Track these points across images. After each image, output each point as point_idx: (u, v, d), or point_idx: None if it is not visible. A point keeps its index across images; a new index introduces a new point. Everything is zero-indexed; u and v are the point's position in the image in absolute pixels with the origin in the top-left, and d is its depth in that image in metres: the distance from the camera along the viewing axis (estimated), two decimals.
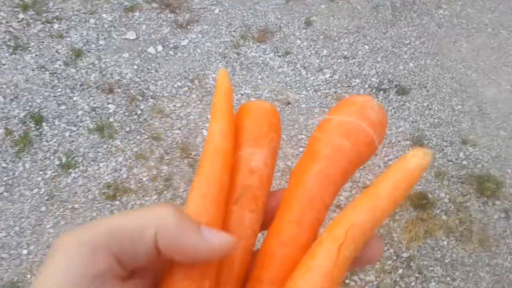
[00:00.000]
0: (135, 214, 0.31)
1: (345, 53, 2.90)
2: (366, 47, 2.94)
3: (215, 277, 0.36)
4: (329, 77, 2.77)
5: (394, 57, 2.90)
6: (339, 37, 2.99)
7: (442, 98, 2.71)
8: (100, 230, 0.29)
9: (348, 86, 2.72)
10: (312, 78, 2.77)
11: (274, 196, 0.42)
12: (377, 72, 2.79)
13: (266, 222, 0.41)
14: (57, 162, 2.37)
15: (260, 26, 3.03)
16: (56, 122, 2.50)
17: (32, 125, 2.48)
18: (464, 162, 2.44)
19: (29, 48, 2.77)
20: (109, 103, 2.58)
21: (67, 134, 2.46)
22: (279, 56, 2.88)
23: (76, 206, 2.27)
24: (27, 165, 2.36)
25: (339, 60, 2.86)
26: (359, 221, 0.35)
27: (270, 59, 2.85)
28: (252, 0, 3.19)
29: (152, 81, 2.69)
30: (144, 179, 2.34)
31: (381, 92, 2.70)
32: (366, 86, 2.72)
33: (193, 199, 0.36)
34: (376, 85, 2.73)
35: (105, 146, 2.43)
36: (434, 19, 3.15)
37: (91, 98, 2.60)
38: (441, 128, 2.57)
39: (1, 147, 2.41)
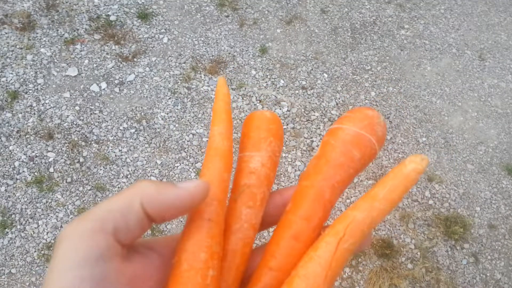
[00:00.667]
0: (119, 194, 0.36)
1: (303, 83, 2.85)
2: (325, 75, 2.90)
3: (219, 268, 0.40)
4: (287, 111, 2.72)
5: (355, 85, 2.86)
6: (296, 65, 2.95)
7: (406, 129, 2.69)
8: (95, 215, 0.34)
9: (307, 121, 2.67)
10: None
11: (281, 195, 0.49)
12: (337, 104, 2.75)
13: (272, 219, 0.48)
14: None
15: (212, 56, 2.95)
16: None
17: None
18: (430, 202, 2.42)
19: None
20: (48, 151, 2.47)
21: (2, 189, 2.34)
22: (233, 89, 2.81)
23: (14, 270, 2.15)
24: None
25: (297, 91, 2.81)
26: (357, 219, 0.40)
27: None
28: (204, 26, 3.11)
29: (96, 123, 2.59)
30: None
31: None
32: (326, 119, 2.68)
33: None
34: (336, 118, 2.68)
35: (44, 200, 2.32)
36: (396, 41, 3.14)
37: (29, 146, 2.48)
38: None
39: None
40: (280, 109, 2.73)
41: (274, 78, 2.87)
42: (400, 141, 2.63)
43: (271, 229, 0.46)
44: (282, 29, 3.15)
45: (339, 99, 2.78)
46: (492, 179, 2.53)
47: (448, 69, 2.99)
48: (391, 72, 2.95)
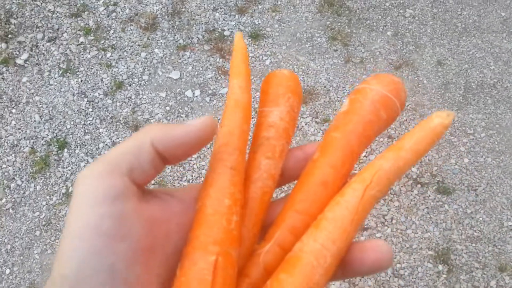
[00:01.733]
0: (129, 138, 0.39)
1: (392, 132, 2.74)
2: None
3: (241, 215, 0.43)
4: (364, 156, 2.63)
5: (449, 146, 2.66)
6: None
7: (492, 208, 2.42)
8: (109, 158, 0.37)
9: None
10: None
11: (301, 150, 0.51)
12: (420, 162, 2.58)
13: (293, 173, 0.50)
14: (63, 191, 2.54)
15: (307, 86, 2.98)
16: (77, 151, 2.68)
17: (54, 149, 2.69)
18: None
19: (78, 73, 3.03)
20: None
21: (82, 164, 2.63)
22: (317, 123, 2.80)
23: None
24: (38, 187, 2.56)
25: (381, 139, 2.70)
26: (384, 167, 0.42)
27: (306, 124, 2.78)
28: (309, 56, 3.16)
29: None
30: None
31: (418, 185, 2.49)
32: (403, 176, 2.53)
33: (218, 149, 0.45)
34: (415, 176, 2.52)
35: None
36: None
37: (116, 132, 2.75)
38: (478, 244, 2.29)
39: (21, 165, 2.65)
40: None
41: None
42: (480, 219, 2.37)
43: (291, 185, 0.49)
44: (388, 72, 3.06)
45: (425, 157, 2.61)
46: None
47: None
48: (496, 142, 2.68)
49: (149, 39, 3.24)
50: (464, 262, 2.24)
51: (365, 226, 2.35)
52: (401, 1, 3.53)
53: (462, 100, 2.91)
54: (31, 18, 3.31)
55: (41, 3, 3.38)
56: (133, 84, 2.99)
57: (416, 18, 3.43)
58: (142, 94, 2.94)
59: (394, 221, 2.36)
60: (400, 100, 0.49)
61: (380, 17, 3.43)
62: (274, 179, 0.48)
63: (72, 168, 2.62)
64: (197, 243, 0.40)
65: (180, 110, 2.86)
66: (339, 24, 3.37)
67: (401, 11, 3.47)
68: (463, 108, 2.87)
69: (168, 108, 2.87)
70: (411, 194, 2.44)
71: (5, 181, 2.61)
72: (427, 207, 2.41)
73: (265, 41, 3.25)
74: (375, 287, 2.21)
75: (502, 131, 2.75)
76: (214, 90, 2.96)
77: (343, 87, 2.98)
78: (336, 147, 0.47)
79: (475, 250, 2.28)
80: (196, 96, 2.94)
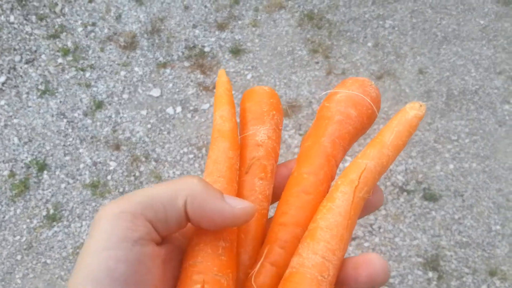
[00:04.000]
0: (166, 185, 0.38)
1: None
2: None
3: (232, 240, 0.42)
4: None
5: (433, 153, 2.72)
6: (375, 122, 2.89)
7: (479, 213, 2.46)
8: (138, 199, 0.36)
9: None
10: None
11: (286, 166, 0.51)
12: (406, 169, 2.63)
13: (280, 192, 0.49)
14: (44, 213, 2.53)
15: (290, 99, 3.03)
16: (57, 172, 2.68)
17: (34, 171, 2.69)
18: None
19: (56, 94, 3.05)
20: (112, 160, 2.72)
21: (63, 186, 2.63)
22: (300, 135, 2.84)
23: (49, 261, 2.38)
24: (18, 211, 2.55)
25: (367, 149, 2.75)
26: (370, 166, 0.43)
27: (289, 136, 2.82)
28: (291, 69, 3.22)
29: (161, 143, 2.80)
30: None
31: (404, 193, 2.52)
32: (389, 183, 2.57)
33: (204, 176, 0.45)
34: (400, 184, 2.56)
35: (93, 204, 2.55)
36: (496, 115, 2.92)
37: (97, 152, 2.76)
38: (467, 250, 2.32)
39: (0, 188, 2.64)
40: (342, 163, 2.69)
41: None
42: (468, 224, 2.41)
43: None
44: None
45: (410, 164, 2.65)
46: None
47: None
48: (480, 148, 2.74)
49: (128, 58, 3.28)
50: (454, 268, 2.27)
51: (353, 236, 2.37)
52: (380, 13, 3.62)
53: (445, 107, 2.98)
54: (8, 40, 3.33)
55: (18, 26, 3.41)
56: (113, 103, 3.01)
57: (396, 29, 3.52)
58: (122, 112, 2.96)
59: (381, 230, 2.39)
60: (370, 96, 0.50)
61: (360, 28, 3.51)
62: (269, 200, 0.49)
63: (52, 190, 2.62)
64: (183, 275, 0.40)
65: (162, 128, 2.89)
66: (319, 37, 3.45)
67: (381, 22, 3.56)
68: (446, 115, 2.93)
69: (149, 125, 2.90)
70: (398, 202, 2.48)
71: None
72: (414, 214, 2.45)
73: (246, 56, 3.31)
74: None
75: (485, 136, 2.82)
76: (196, 106, 3.00)
77: None
78: (310, 155, 0.48)
79: (465, 255, 2.31)
80: (178, 113, 2.97)
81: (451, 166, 2.65)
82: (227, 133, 0.47)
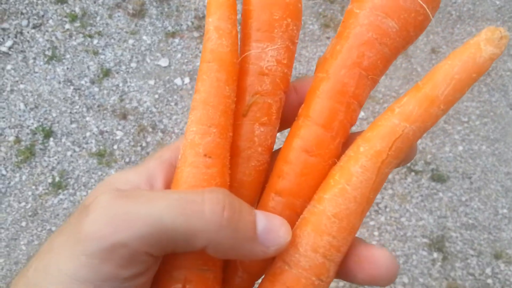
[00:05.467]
0: (184, 210, 0.29)
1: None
2: None
3: None
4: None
5: (443, 134, 2.68)
6: (384, 100, 2.85)
7: (487, 196, 2.44)
8: (143, 229, 0.29)
9: None
10: None
11: (296, 91, 0.39)
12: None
13: (286, 124, 0.39)
14: (50, 180, 2.52)
15: (299, 74, 2.98)
16: (63, 140, 2.66)
17: (40, 137, 2.66)
18: (489, 281, 2.16)
19: (63, 60, 2.99)
20: (118, 129, 2.69)
21: (69, 153, 2.61)
22: None
23: (53, 228, 2.38)
24: (23, 177, 2.54)
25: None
26: (408, 132, 0.31)
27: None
28: (301, 44, 3.16)
29: (168, 114, 2.77)
30: None
31: (412, 173, 2.50)
32: None
33: (189, 128, 0.34)
34: (408, 164, 2.54)
35: (99, 173, 2.53)
36: (508, 98, 2.87)
37: (103, 121, 2.73)
38: (473, 232, 2.31)
39: (6, 154, 2.62)
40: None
41: None
42: (475, 206, 2.39)
43: None
44: None
45: (419, 145, 2.62)
46: None
47: None
48: (491, 130, 2.71)
49: (137, 26, 3.21)
50: (459, 249, 2.26)
51: None
52: None
53: None
54: (15, 4, 3.26)
55: None
56: (121, 72, 2.97)
57: None
58: (130, 82, 2.92)
59: (388, 209, 2.38)
60: None
61: None
62: (270, 149, 0.37)
63: (58, 157, 2.60)
64: (161, 269, 0.32)
65: (169, 98, 2.85)
66: (331, 11, 3.37)
67: None
68: None
69: (156, 96, 2.86)
70: (405, 182, 2.45)
71: None
72: (421, 195, 2.43)
73: None
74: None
75: (496, 119, 2.78)
76: None
77: None
78: (322, 95, 0.35)
79: (470, 237, 2.30)
80: (186, 84, 2.92)
81: (460, 148, 2.62)
82: (224, 56, 0.34)
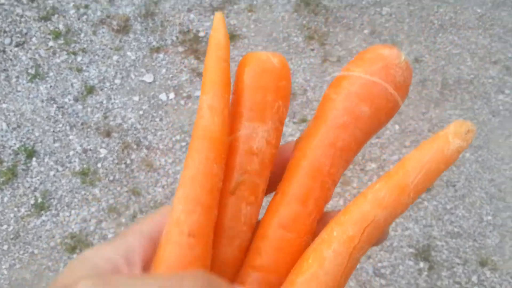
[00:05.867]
0: None
1: None
2: (397, 126, 2.78)
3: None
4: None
5: None
6: None
7: (471, 203, 2.45)
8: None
9: (361, 170, 2.57)
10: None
11: (280, 155, 0.40)
12: (399, 159, 2.60)
13: (274, 182, 0.39)
14: (32, 201, 2.50)
15: None
16: (46, 159, 2.64)
17: (22, 158, 2.65)
18: None
19: (47, 78, 2.99)
20: (102, 147, 2.69)
21: (51, 173, 2.59)
22: (294, 123, 2.81)
23: (36, 251, 2.36)
24: (5, 199, 2.52)
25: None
26: (379, 219, 0.32)
27: (284, 125, 2.79)
28: (286, 56, 3.16)
29: (153, 130, 2.76)
30: (110, 235, 2.37)
31: None
32: (382, 173, 2.55)
33: (176, 205, 0.33)
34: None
35: (83, 192, 2.52)
36: (490, 105, 2.90)
37: (87, 139, 2.72)
38: (458, 240, 2.31)
39: None
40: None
41: None
42: (460, 214, 2.40)
43: None
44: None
45: (403, 154, 2.63)
46: None
47: None
48: (474, 138, 2.72)
49: (121, 42, 3.22)
50: (445, 258, 2.26)
51: None
52: (377, 0, 3.57)
53: (440, 97, 2.95)
54: None
55: (9, 7, 3.34)
56: (105, 89, 2.97)
57: (393, 16, 3.47)
58: (114, 98, 2.91)
59: None
60: (395, 82, 0.36)
61: (357, 15, 3.46)
62: (253, 228, 0.38)
63: (41, 177, 2.58)
64: None
65: (154, 114, 2.85)
66: (315, 23, 3.40)
67: (378, 9, 3.51)
68: (440, 104, 2.91)
69: (141, 112, 2.86)
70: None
71: None
72: None
73: (241, 42, 3.26)
74: (356, 287, 2.22)
75: (479, 126, 2.80)
76: (189, 93, 2.95)
77: (320, 87, 3.00)
78: (299, 173, 0.36)
79: (456, 245, 2.30)
80: (171, 99, 2.93)
81: None
82: (215, 135, 0.34)
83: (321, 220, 0.37)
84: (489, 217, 2.40)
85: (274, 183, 0.40)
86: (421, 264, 2.25)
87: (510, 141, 2.72)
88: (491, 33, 3.39)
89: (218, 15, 0.37)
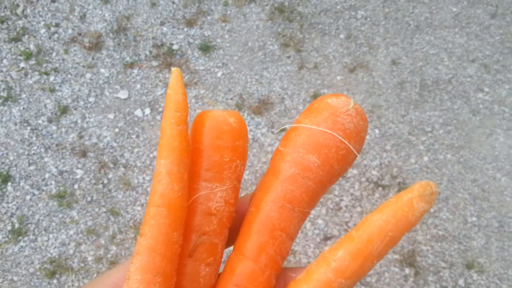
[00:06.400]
0: None
1: None
2: (377, 131, 2.79)
3: None
4: None
5: (408, 146, 2.71)
6: None
7: (455, 205, 2.47)
8: None
9: (342, 177, 2.58)
10: None
11: (241, 203, 0.39)
12: (380, 164, 2.62)
13: (234, 235, 0.38)
14: (9, 227, 2.47)
15: (262, 96, 3.00)
16: (22, 183, 2.61)
17: None
18: None
19: (19, 100, 2.96)
20: (78, 168, 2.66)
21: (28, 197, 2.56)
22: (273, 133, 2.81)
23: (15, 278, 2.32)
24: None
25: None
26: (344, 286, 0.32)
27: (262, 135, 2.79)
28: (262, 65, 3.18)
29: (129, 148, 2.75)
30: (89, 258, 2.35)
31: (380, 188, 2.52)
32: (364, 179, 2.56)
33: (133, 275, 0.32)
34: (375, 179, 2.55)
35: (60, 215, 2.49)
36: (470, 104, 2.93)
37: (62, 160, 2.70)
38: (444, 243, 2.32)
39: None
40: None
41: None
42: (444, 217, 2.41)
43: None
44: (343, 76, 3.11)
45: (384, 159, 2.64)
46: None
47: None
48: (455, 138, 2.75)
49: (94, 59, 3.20)
50: (431, 262, 2.27)
51: (328, 235, 2.36)
52: (352, 3, 3.60)
53: (419, 98, 2.97)
54: None
55: None
56: (79, 108, 2.95)
57: (368, 19, 3.50)
58: (88, 117, 2.90)
59: None
60: (344, 130, 0.35)
61: (332, 20, 3.49)
62: (214, 286, 0.37)
63: (17, 202, 2.55)
64: None
65: (130, 131, 2.83)
66: (291, 30, 3.41)
67: (353, 13, 3.54)
68: (420, 106, 2.93)
69: (117, 130, 2.84)
70: (373, 198, 2.47)
71: None
72: None
73: (216, 53, 3.26)
74: None
75: (460, 126, 2.82)
76: None
77: (298, 94, 3.01)
78: (251, 229, 0.36)
79: (441, 249, 2.31)
80: (147, 115, 2.91)
81: (426, 159, 2.65)
82: (174, 202, 0.33)
83: (281, 276, 0.37)
84: (474, 218, 2.41)
85: (234, 236, 0.40)
86: (407, 270, 2.26)
87: (492, 139, 2.75)
88: (467, 31, 3.43)
89: (175, 71, 0.36)
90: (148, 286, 0.32)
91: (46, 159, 2.70)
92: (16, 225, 2.47)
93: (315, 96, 2.98)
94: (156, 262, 0.32)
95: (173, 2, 3.56)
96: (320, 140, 0.36)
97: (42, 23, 3.37)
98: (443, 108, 2.91)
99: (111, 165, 2.67)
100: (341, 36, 3.38)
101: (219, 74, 3.13)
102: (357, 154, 0.37)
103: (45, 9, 3.46)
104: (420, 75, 3.12)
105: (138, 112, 2.93)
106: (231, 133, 0.38)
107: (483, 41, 3.35)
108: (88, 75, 3.11)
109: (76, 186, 2.59)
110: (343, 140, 0.35)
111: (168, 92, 0.37)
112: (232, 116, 0.39)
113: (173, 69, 0.37)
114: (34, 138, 2.80)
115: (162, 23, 3.43)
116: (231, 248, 0.41)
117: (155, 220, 0.33)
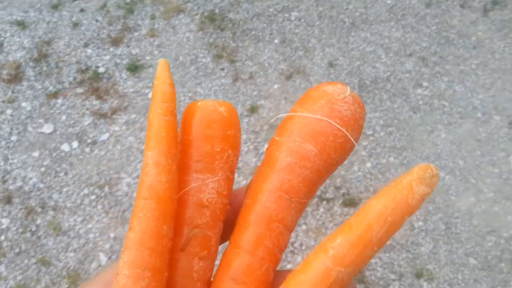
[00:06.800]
0: None
1: None
2: None
3: None
4: None
5: (350, 154, 2.66)
6: None
7: None
8: None
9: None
10: (245, 182, 2.58)
11: (236, 197, 0.39)
12: None
13: (229, 229, 0.37)
14: None
15: None
16: None
17: None
18: None
19: None
20: (3, 217, 2.50)
21: None
22: None
23: None
24: None
25: None
26: (342, 277, 0.31)
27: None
28: (195, 80, 3.07)
29: (58, 188, 2.60)
30: None
31: (324, 202, 2.46)
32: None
33: (122, 270, 0.31)
34: (319, 193, 2.49)
35: None
36: (410, 102, 2.90)
37: None
38: (392, 253, 2.28)
39: None
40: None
41: (258, 142, 2.74)
42: None
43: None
44: (279, 84, 3.03)
45: None
46: (498, 279, 2.20)
47: (467, 137, 2.70)
48: (397, 139, 2.71)
49: (14, 93, 3.03)
50: (380, 276, 2.22)
51: None
52: (285, 5, 3.52)
53: None
54: None
55: None
56: (1, 149, 2.77)
57: (302, 20, 3.44)
58: (11, 158, 2.73)
59: (303, 247, 2.32)
60: (341, 118, 0.35)
61: (265, 25, 3.40)
62: (208, 283, 0.37)
63: None
64: None
65: (58, 169, 2.68)
66: (223, 39, 3.32)
67: (286, 15, 3.47)
68: None
69: (43, 169, 2.68)
70: (318, 213, 2.41)
71: None
72: (336, 224, 2.39)
73: (146, 72, 3.14)
74: None
75: (401, 125, 2.79)
76: (94, 138, 2.80)
77: (235, 106, 2.92)
78: (248, 221, 0.35)
79: (389, 260, 2.27)
80: (74, 149, 2.77)
81: (369, 165, 2.61)
82: (162, 193, 0.33)
83: (280, 275, 0.36)
84: (420, 223, 2.38)
85: (230, 230, 0.38)
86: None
87: (433, 136, 2.73)
88: (403, 23, 3.40)
89: (162, 62, 0.37)
90: (136, 281, 0.31)
91: None
92: None
93: (252, 109, 2.90)
94: (145, 257, 0.32)
95: (97, 20, 3.41)
96: (317, 128, 0.36)
97: None
98: (383, 109, 2.87)
99: (39, 210, 2.52)
100: (276, 41, 3.30)
101: (150, 95, 3.01)
102: (355, 143, 0.37)
103: None
104: (358, 75, 3.07)
105: (65, 147, 2.77)
106: (222, 122, 0.38)
107: (420, 32, 3.33)
108: (8, 111, 2.94)
109: (2, 237, 2.44)
110: (340, 128, 0.35)
111: (155, 82, 0.38)
112: (223, 106, 0.39)
113: (160, 60, 0.37)
114: None
115: (86, 45, 3.28)
116: (227, 244, 0.41)
117: (143, 213, 0.33)
